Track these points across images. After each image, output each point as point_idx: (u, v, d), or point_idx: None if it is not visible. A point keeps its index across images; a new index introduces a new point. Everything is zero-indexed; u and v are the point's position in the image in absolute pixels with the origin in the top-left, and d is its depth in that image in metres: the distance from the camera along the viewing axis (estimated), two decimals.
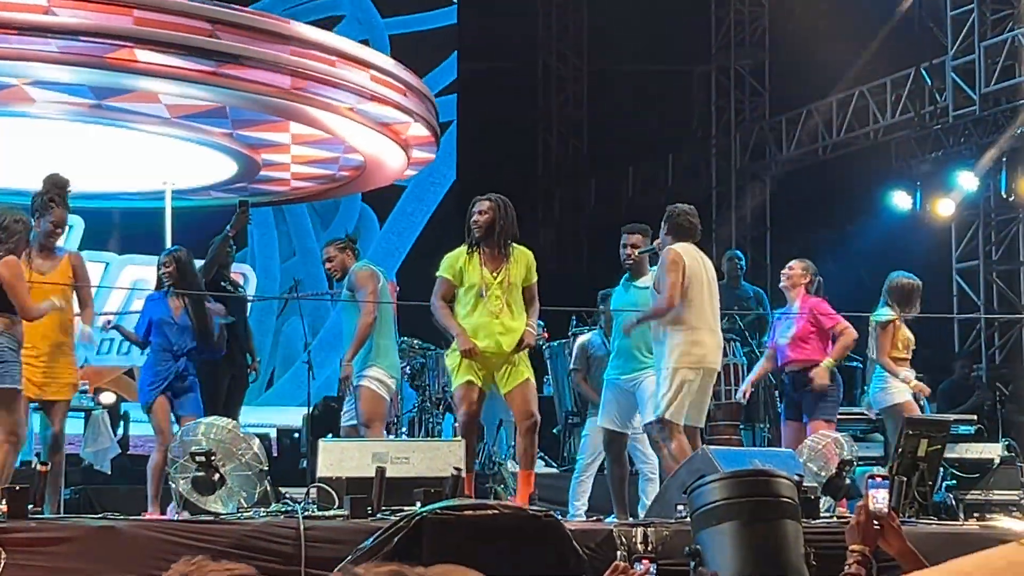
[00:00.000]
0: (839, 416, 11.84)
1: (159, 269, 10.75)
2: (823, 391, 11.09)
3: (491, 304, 9.56)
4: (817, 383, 11.05)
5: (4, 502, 7.74)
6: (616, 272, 10.84)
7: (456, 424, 9.98)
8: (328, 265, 10.69)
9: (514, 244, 9.80)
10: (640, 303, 10.30)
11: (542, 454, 12.96)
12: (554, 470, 12.54)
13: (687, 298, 9.75)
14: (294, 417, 14.95)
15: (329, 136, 16.60)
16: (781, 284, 11.46)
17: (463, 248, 9.74)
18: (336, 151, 17.31)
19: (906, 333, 11.48)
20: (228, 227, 11.51)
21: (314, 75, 14.88)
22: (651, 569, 5.15)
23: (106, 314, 13.01)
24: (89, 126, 16.04)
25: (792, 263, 11.46)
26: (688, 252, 9.90)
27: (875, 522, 5.10)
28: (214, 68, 14.36)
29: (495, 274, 9.64)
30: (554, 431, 13.20)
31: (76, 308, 9.77)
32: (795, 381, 11.19)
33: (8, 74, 14.22)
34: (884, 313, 11.36)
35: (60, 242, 10.02)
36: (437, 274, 9.66)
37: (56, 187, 9.75)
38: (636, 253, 10.48)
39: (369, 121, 16.00)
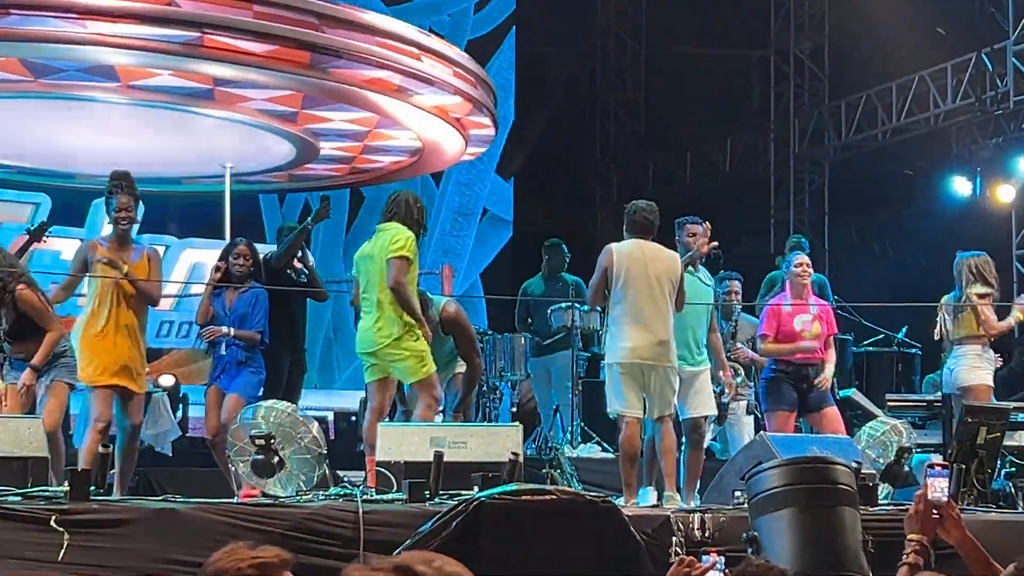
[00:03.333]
0: (899, 403, 11.83)
1: (231, 260, 10.67)
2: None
3: None
4: (824, 386, 11.11)
5: (67, 484, 7.82)
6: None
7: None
8: None
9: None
10: (695, 294, 10.34)
11: (598, 439, 12.97)
12: (610, 455, 12.50)
13: (622, 294, 9.78)
14: (351, 401, 14.98)
15: (391, 122, 16.69)
16: (795, 279, 11.28)
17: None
18: (396, 142, 17.41)
19: (990, 313, 11.48)
20: (309, 220, 11.57)
21: (399, 68, 15.07)
22: (719, 562, 5.06)
23: (167, 296, 13.11)
24: (153, 111, 16.18)
25: (804, 258, 11.36)
26: (631, 249, 9.94)
27: (934, 511, 5.09)
28: (317, 62, 14.59)
29: None
30: (610, 416, 13.15)
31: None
32: (807, 375, 11.12)
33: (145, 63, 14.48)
34: (979, 287, 11.34)
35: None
36: (404, 253, 9.56)
37: (114, 179, 9.92)
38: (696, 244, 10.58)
39: (432, 108, 16.09)
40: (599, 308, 12.76)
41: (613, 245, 10.04)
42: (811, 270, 11.32)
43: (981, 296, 11.32)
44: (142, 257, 9.82)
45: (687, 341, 10.34)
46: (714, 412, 10.65)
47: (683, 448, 10.23)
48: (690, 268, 10.36)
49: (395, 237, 9.57)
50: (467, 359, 10.70)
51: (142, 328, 9.85)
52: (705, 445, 10.85)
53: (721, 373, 10.96)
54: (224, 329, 10.32)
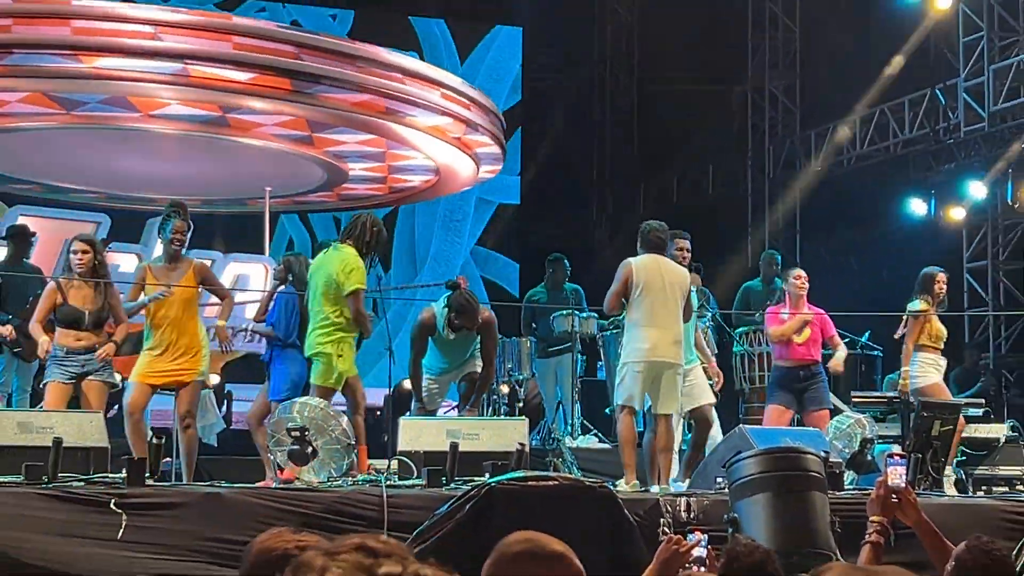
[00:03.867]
0: (863, 399, 11.83)
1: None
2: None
3: None
4: (836, 370, 11.16)
5: (125, 471, 7.84)
6: None
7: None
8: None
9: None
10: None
11: (596, 432, 12.99)
12: (607, 446, 12.52)
13: (641, 302, 9.83)
14: (376, 397, 14.97)
15: (408, 147, 16.67)
16: (793, 289, 11.31)
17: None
18: (415, 162, 17.36)
19: (938, 326, 11.49)
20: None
21: (386, 92, 14.96)
22: (703, 540, 5.08)
23: (212, 305, 13.10)
24: (201, 139, 16.21)
25: (801, 272, 11.41)
26: (646, 263, 10.01)
27: (893, 496, 5.09)
28: (299, 87, 14.50)
29: None
30: (607, 411, 13.19)
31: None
32: (797, 375, 11.10)
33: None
34: (916, 305, 11.39)
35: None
36: (359, 286, 9.43)
37: (172, 206, 10.07)
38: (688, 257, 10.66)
39: (428, 129, 16.04)
40: (600, 314, 13.01)
41: (631, 259, 10.11)
42: (807, 284, 11.32)
43: (916, 313, 11.36)
44: (188, 269, 9.88)
45: (685, 345, 10.42)
46: (712, 400, 10.65)
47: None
48: None
49: (348, 266, 9.43)
50: (488, 360, 10.59)
51: (195, 324, 9.90)
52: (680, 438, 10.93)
53: (709, 364, 11.02)
54: (244, 326, 10.52)
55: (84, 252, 9.63)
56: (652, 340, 9.78)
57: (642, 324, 9.84)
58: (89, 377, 9.56)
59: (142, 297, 9.78)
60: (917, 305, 11.42)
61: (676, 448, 10.57)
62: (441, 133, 16.18)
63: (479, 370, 10.39)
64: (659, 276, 9.91)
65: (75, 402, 9.57)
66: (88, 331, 9.57)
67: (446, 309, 10.26)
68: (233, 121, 15.54)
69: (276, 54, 14.14)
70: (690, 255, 10.79)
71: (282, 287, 10.82)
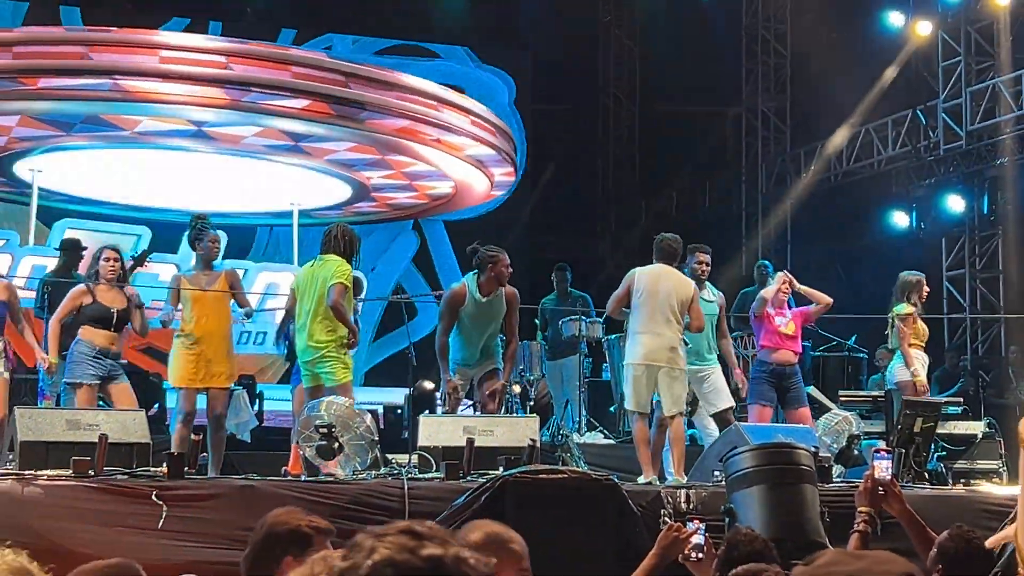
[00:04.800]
0: (850, 398, 11.81)
1: None
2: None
3: None
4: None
5: (165, 465, 7.86)
6: None
7: None
8: None
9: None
10: (706, 312, 10.32)
11: (602, 428, 12.98)
12: (611, 442, 12.52)
13: (640, 308, 9.82)
14: (397, 396, 14.99)
15: (428, 167, 16.69)
16: (780, 291, 11.21)
17: None
18: (433, 180, 17.37)
19: (922, 326, 11.46)
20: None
21: (423, 118, 15.00)
22: (701, 528, 5.09)
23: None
24: (234, 159, 16.23)
25: (785, 277, 11.28)
26: (651, 272, 9.97)
27: (880, 488, 5.09)
28: (342, 112, 14.53)
29: None
30: (611, 410, 13.21)
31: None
32: (783, 373, 10.96)
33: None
34: (903, 307, 11.31)
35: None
36: (343, 281, 9.30)
37: (199, 218, 10.14)
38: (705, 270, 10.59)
39: (463, 156, 16.07)
40: (603, 317, 13.03)
41: (637, 268, 10.08)
42: (790, 289, 11.24)
43: (904, 315, 11.32)
44: (220, 277, 9.92)
45: (700, 347, 10.40)
46: (732, 403, 10.59)
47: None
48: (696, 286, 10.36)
49: (337, 269, 9.35)
50: (512, 332, 10.21)
51: (226, 335, 9.92)
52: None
53: (735, 372, 10.96)
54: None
55: (115, 260, 9.73)
56: (647, 345, 9.76)
57: (638, 330, 9.83)
58: (115, 381, 9.58)
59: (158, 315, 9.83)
60: (903, 308, 11.36)
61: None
62: (466, 156, 16.15)
63: (499, 366, 10.19)
64: (659, 284, 9.85)
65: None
66: (114, 331, 9.61)
67: (475, 273, 10.03)
68: (309, 148, 15.55)
69: (326, 82, 14.16)
70: (709, 268, 10.69)
71: None
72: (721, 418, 10.33)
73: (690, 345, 10.08)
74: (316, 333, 9.34)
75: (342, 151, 15.52)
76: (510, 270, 10.00)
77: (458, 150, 15.77)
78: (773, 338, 10.99)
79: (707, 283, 10.81)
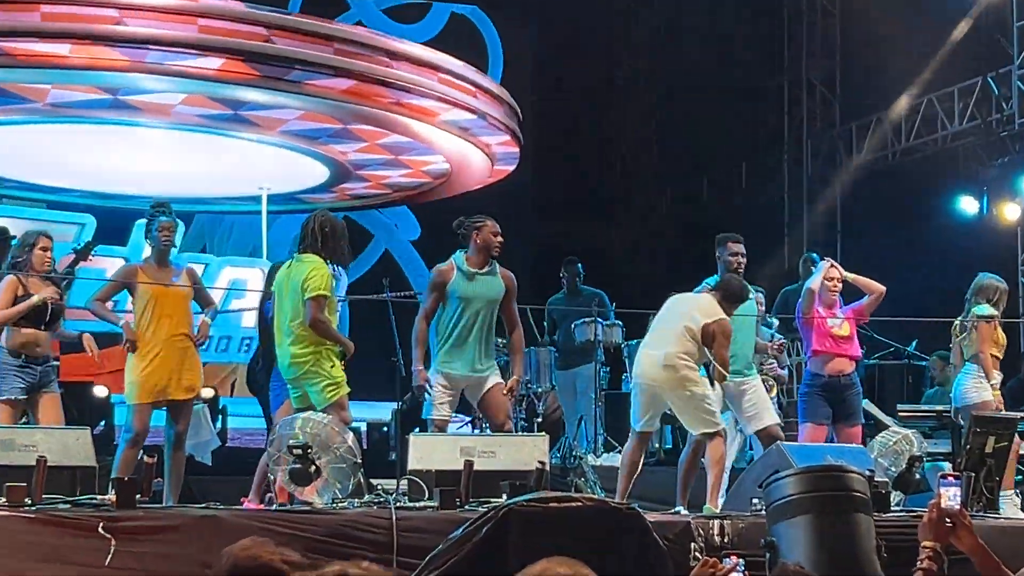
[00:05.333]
0: (910, 413, 11.81)
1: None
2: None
3: None
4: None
5: (114, 492, 7.85)
6: (690, 273, 10.88)
7: None
8: None
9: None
10: (744, 310, 10.42)
11: (620, 449, 12.95)
12: None
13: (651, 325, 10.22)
14: (383, 412, 15.00)
15: (425, 147, 16.64)
16: (829, 285, 11.17)
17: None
18: (420, 154, 17.32)
19: (1002, 334, 11.40)
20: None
21: (370, 76, 14.90)
22: (739, 565, 5.09)
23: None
24: (193, 136, 16.20)
25: (835, 270, 11.24)
26: (682, 295, 10.32)
27: (947, 519, 5.08)
28: (346, 87, 14.50)
29: None
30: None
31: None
32: (837, 385, 11.00)
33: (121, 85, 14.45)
34: (985, 309, 11.25)
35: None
36: (321, 293, 9.26)
37: (156, 205, 10.15)
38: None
39: (439, 123, 15.99)
40: (619, 325, 13.11)
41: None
42: (841, 285, 11.20)
43: (987, 316, 11.26)
44: (182, 275, 9.93)
45: (744, 357, 10.48)
46: (777, 419, 10.62)
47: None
48: None
49: (310, 275, 9.29)
50: (514, 320, 10.03)
51: (190, 331, 9.92)
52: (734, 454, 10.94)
53: (764, 367, 10.99)
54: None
55: (50, 249, 9.82)
56: (640, 360, 10.02)
57: (642, 343, 10.23)
58: (44, 390, 9.59)
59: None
60: (985, 309, 11.28)
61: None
62: (433, 118, 16.04)
63: (500, 380, 10.13)
64: (676, 305, 10.16)
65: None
66: (45, 329, 9.63)
67: (463, 251, 9.94)
68: (255, 118, 15.56)
69: (242, 36, 14.04)
70: (746, 260, 10.69)
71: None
72: (769, 436, 10.32)
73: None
74: (295, 347, 9.33)
75: (293, 120, 15.48)
76: (499, 239, 9.92)
77: (429, 115, 15.69)
78: (825, 342, 10.96)
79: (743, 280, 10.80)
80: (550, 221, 22.02)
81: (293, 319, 9.36)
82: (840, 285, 11.14)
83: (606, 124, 23.99)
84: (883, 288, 11.14)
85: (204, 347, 10.44)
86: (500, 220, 10.08)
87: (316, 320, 9.23)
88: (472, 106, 15.89)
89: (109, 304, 10.22)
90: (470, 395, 10.02)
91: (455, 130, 16.18)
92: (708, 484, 9.69)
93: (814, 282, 11.07)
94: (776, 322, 12.28)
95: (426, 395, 9.81)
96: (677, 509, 9.48)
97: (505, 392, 9.89)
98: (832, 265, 11.15)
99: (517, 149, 17.55)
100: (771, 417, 10.47)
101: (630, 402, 10.27)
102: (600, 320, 13.35)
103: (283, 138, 16.25)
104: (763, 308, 11.82)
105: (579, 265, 14.22)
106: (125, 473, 9.01)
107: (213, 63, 13.97)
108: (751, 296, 10.65)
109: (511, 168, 18.47)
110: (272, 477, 8.62)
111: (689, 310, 9.99)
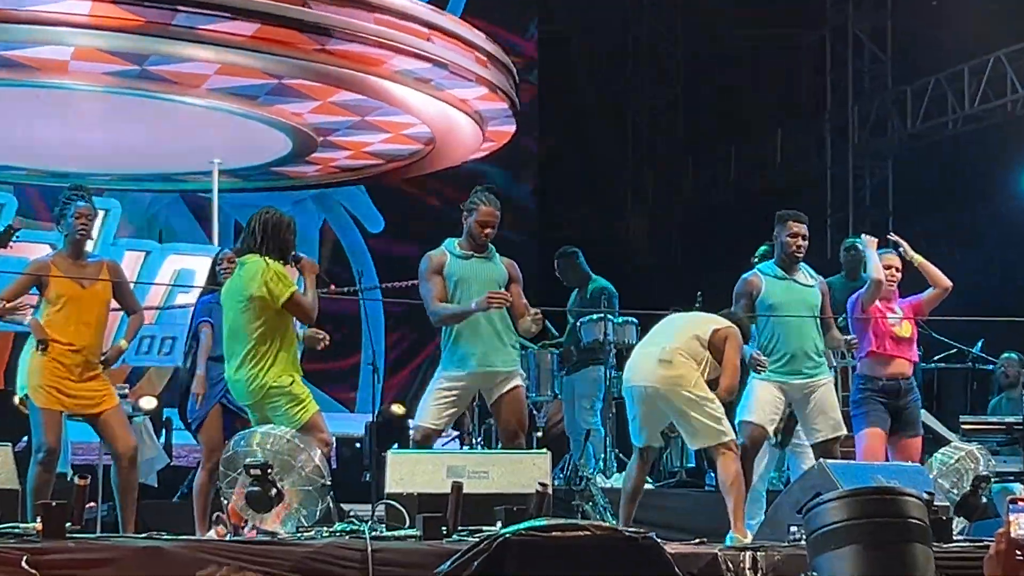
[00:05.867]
0: (975, 426, 11.80)
1: (217, 266, 10.75)
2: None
3: None
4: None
5: (39, 520, 7.83)
6: (718, 265, 10.87)
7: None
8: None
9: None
10: (806, 302, 10.47)
11: None
12: (650, 486, 12.50)
13: None
14: (355, 425, 15.03)
15: (391, 107, 16.66)
16: (889, 276, 11.17)
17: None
18: (389, 114, 17.34)
19: None
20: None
21: (281, 17, 14.89)
22: None
23: (147, 308, 13.14)
24: (129, 100, 16.21)
25: (894, 258, 11.23)
26: None
27: (1018, 551, 5.08)
28: (252, 32, 14.49)
29: None
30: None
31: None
32: (897, 389, 11.02)
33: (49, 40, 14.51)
34: None
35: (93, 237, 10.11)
36: (287, 292, 9.27)
37: (72, 188, 10.02)
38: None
39: (431, 88, 15.98)
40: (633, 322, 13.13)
41: None
42: (899, 275, 11.17)
43: None
44: (100, 271, 9.87)
45: (803, 351, 10.49)
46: (843, 431, 10.61)
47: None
48: (783, 274, 10.48)
49: (259, 277, 9.25)
50: (521, 307, 9.91)
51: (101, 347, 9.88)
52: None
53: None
54: None
55: None
56: (635, 360, 10.11)
57: (638, 345, 10.40)
58: None
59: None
60: None
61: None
62: (377, 67, 16.02)
63: (521, 383, 10.09)
64: (675, 316, 10.35)
65: None
66: None
67: (454, 238, 9.95)
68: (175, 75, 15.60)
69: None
70: (807, 242, 10.66)
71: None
72: (825, 452, 10.31)
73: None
74: (244, 367, 9.29)
75: (215, 76, 15.54)
76: (486, 231, 9.87)
77: (373, 64, 15.70)
78: (884, 343, 10.96)
79: (802, 264, 10.77)
80: (553, 207, 22.00)
81: (236, 337, 9.33)
82: (899, 275, 11.11)
83: (618, 90, 23.98)
84: (950, 283, 11.13)
85: (146, 352, 10.42)
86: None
87: (309, 312, 9.31)
88: (426, 52, 15.81)
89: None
90: (487, 395, 10.01)
91: (411, 82, 16.13)
92: (729, 509, 9.69)
93: (877, 270, 11.03)
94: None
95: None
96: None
97: (496, 296, 9.70)
98: (897, 241, 11.14)
99: (505, 105, 17.51)
100: (831, 429, 10.47)
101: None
102: (612, 318, 13.33)
103: (217, 99, 16.27)
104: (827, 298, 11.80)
105: (580, 257, 14.08)
106: (42, 494, 8.99)
107: (81, 7, 14.04)
108: (813, 283, 10.64)
109: (508, 130, 18.45)
110: (225, 502, 8.61)
111: (695, 317, 10.17)
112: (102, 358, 9.81)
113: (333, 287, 10.56)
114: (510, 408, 9.87)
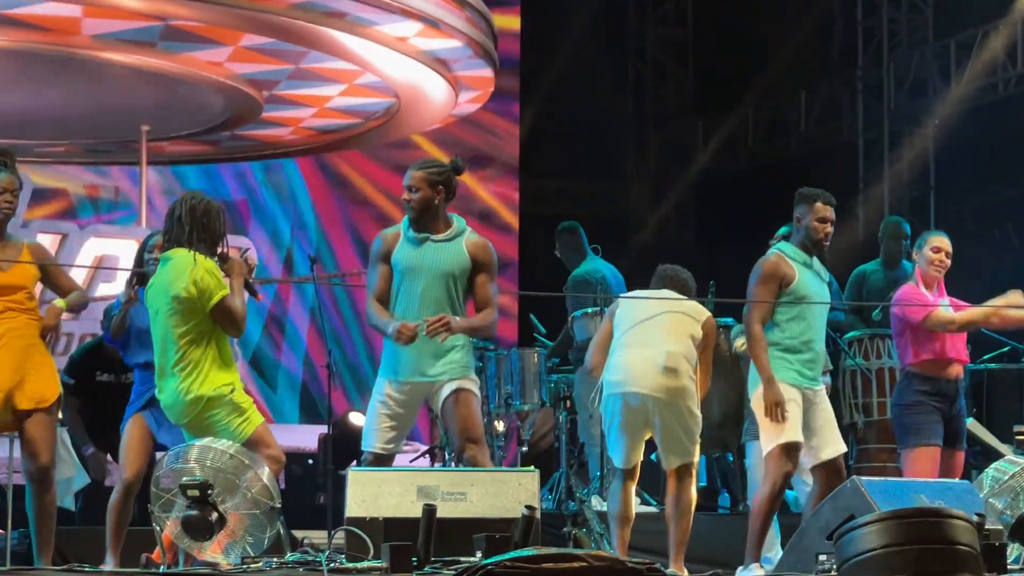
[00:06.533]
0: None
1: (146, 257, 10.64)
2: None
3: None
4: None
5: None
6: (734, 241, 10.89)
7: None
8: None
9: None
10: (825, 298, 10.54)
11: (639, 488, 13.00)
12: (654, 509, 12.54)
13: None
14: (308, 438, 15.06)
15: (349, 64, 16.72)
16: (929, 268, 11.20)
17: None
18: (348, 71, 17.41)
19: None
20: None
21: None
22: None
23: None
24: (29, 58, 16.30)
25: (943, 242, 11.24)
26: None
27: None
28: None
29: None
30: (651, 457, 13.22)
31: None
32: (950, 394, 11.06)
33: None
34: None
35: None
36: (220, 292, 9.24)
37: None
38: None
39: (347, 24, 16.02)
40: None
41: None
42: (949, 261, 11.18)
43: None
44: (22, 254, 9.84)
45: (823, 353, 10.60)
46: (844, 448, 10.64)
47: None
48: (807, 261, 10.46)
49: (190, 277, 9.19)
50: (487, 299, 9.77)
51: (37, 339, 9.88)
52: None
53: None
54: None
55: None
56: (627, 363, 10.19)
57: (620, 343, 10.32)
58: None
59: None
60: None
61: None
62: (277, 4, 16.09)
63: (469, 387, 10.03)
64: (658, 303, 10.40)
65: None
66: None
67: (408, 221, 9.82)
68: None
69: None
70: (833, 229, 10.68)
71: None
72: (835, 472, 10.35)
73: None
74: (174, 378, 9.27)
75: (85, 18, 15.65)
76: (445, 185, 9.80)
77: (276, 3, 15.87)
78: (939, 344, 10.99)
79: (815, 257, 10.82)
80: (538, 177, 22.01)
81: (164, 344, 9.31)
82: (948, 261, 11.12)
83: (618, 38, 24.01)
84: None
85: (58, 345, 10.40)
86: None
87: (239, 322, 9.27)
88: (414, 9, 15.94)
89: None
90: (432, 405, 10.01)
91: (320, 18, 16.19)
92: (673, 540, 10.11)
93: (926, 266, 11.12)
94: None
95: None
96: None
97: (431, 325, 9.53)
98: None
99: (459, 43, 17.54)
100: (836, 444, 10.49)
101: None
102: (606, 310, 13.32)
103: (111, 51, 16.33)
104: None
105: (582, 235, 14.07)
106: None
107: None
108: (828, 279, 10.70)
109: (481, 74, 18.46)
110: (157, 529, 8.62)
111: (680, 311, 10.25)
112: (43, 326, 9.83)
113: (260, 298, 10.51)
114: (452, 415, 9.70)
